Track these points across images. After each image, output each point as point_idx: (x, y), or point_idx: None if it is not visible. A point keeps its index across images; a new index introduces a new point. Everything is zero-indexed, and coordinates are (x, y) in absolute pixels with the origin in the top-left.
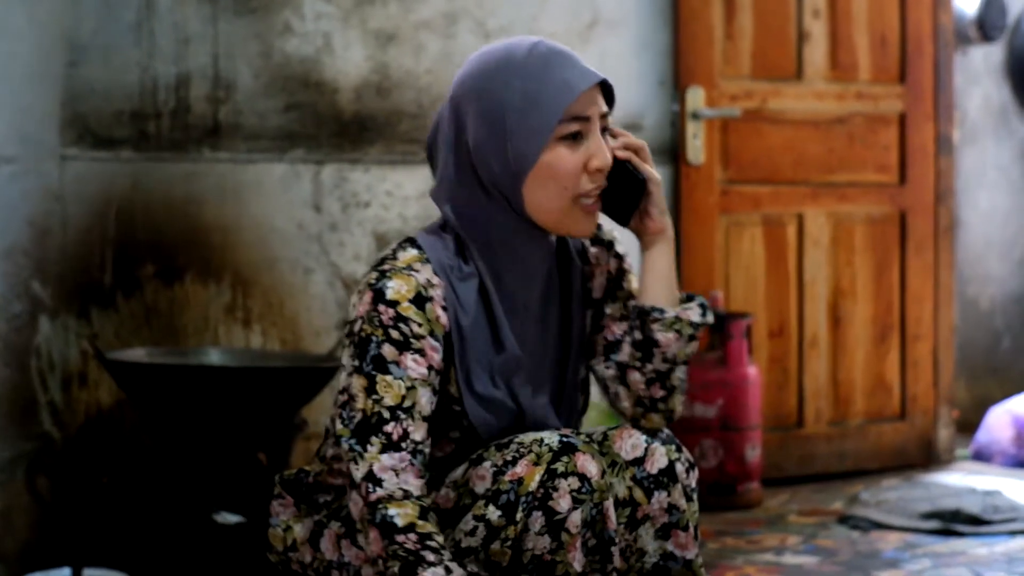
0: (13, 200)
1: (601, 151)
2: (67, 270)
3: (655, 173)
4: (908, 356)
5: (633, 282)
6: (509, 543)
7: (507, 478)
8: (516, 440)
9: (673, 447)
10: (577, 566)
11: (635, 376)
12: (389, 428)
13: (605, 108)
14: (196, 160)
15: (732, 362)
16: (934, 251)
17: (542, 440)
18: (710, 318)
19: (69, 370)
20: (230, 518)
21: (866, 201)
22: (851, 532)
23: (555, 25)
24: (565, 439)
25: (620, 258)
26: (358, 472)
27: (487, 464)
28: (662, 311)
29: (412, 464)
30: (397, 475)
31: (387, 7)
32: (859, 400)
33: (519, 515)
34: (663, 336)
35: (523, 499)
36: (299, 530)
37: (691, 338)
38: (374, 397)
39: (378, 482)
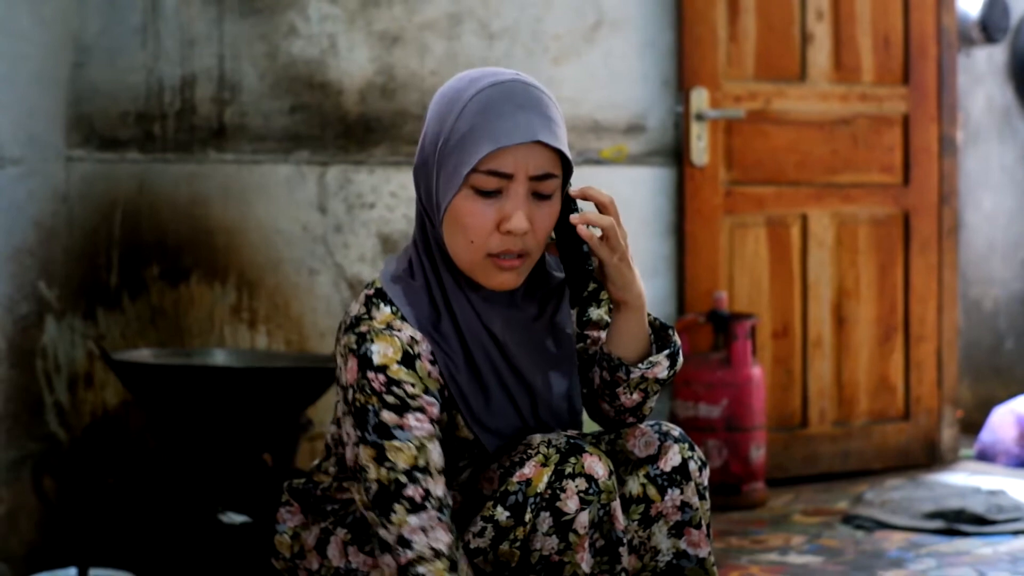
0: (19, 201)
1: (517, 215)
2: (73, 271)
3: (617, 253)
4: (912, 357)
5: None
6: (518, 544)
7: (515, 479)
8: (523, 442)
9: (686, 445)
10: (585, 567)
11: (604, 406)
12: (410, 492)
13: (546, 171)
14: (201, 161)
15: (736, 363)
16: (938, 252)
17: (549, 441)
18: (679, 366)
19: (75, 371)
20: (235, 518)
21: (870, 202)
22: (855, 532)
23: (559, 26)
24: (572, 440)
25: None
26: (389, 537)
27: (494, 466)
28: (628, 371)
29: (440, 520)
30: (426, 534)
31: (392, 8)
32: (863, 400)
33: (527, 516)
34: (626, 398)
35: (531, 500)
36: (306, 537)
37: (659, 391)
38: (387, 465)
39: (408, 544)
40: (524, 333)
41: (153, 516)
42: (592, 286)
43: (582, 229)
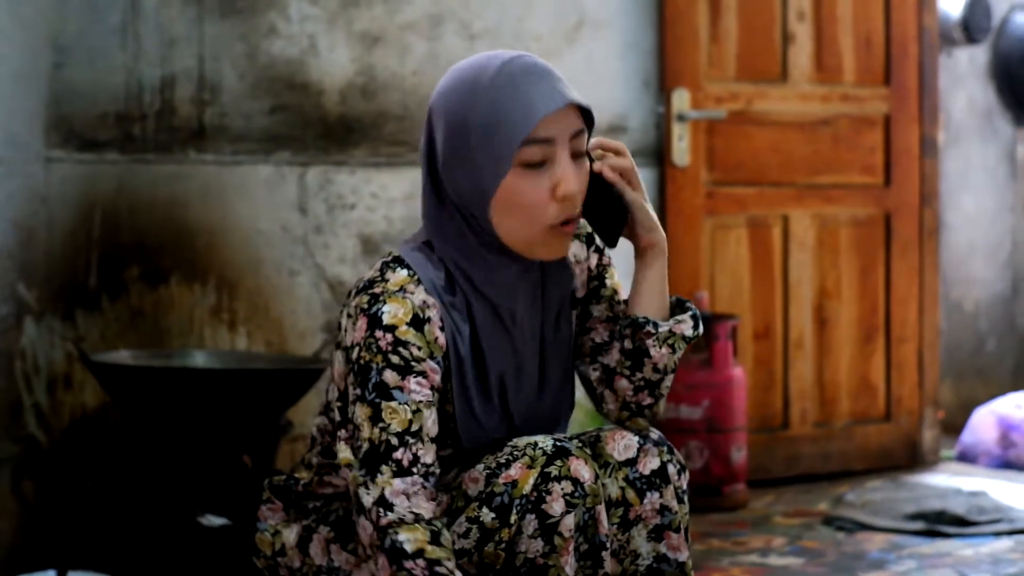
0: None
1: (568, 177)
2: (52, 272)
3: (640, 194)
4: (893, 357)
5: (615, 277)
6: (503, 545)
7: (501, 480)
8: (509, 443)
9: (665, 448)
10: (569, 570)
11: (623, 383)
12: (399, 455)
13: (578, 127)
14: (181, 162)
15: (717, 364)
16: (919, 253)
17: (536, 443)
18: (701, 329)
19: (54, 372)
20: (215, 520)
21: (851, 203)
22: (836, 533)
23: (540, 27)
24: (559, 443)
25: (600, 252)
26: (369, 497)
27: (480, 467)
28: (656, 325)
29: (424, 487)
30: (408, 499)
31: (372, 9)
32: (844, 401)
33: (513, 517)
34: (656, 352)
35: (517, 502)
36: (288, 535)
37: (675, 368)
38: (380, 425)
39: (389, 506)
40: (531, 322)
41: (132, 518)
42: (592, 272)
43: (608, 173)
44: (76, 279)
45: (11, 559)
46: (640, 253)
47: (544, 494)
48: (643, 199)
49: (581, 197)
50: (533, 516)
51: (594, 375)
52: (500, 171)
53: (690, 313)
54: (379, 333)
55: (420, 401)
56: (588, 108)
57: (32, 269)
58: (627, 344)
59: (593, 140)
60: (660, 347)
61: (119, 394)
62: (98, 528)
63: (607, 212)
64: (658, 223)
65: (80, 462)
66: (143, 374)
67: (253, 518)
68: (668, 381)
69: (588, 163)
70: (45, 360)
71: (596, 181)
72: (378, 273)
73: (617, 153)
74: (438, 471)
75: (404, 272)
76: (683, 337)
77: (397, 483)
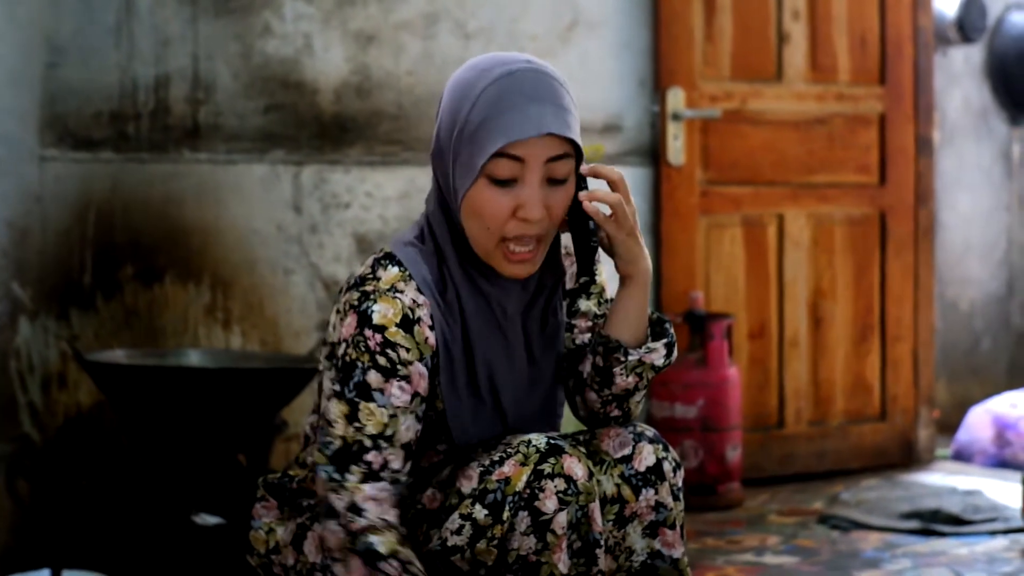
0: None
1: (531, 202)
2: (46, 272)
3: (623, 229)
4: (888, 356)
5: (603, 275)
6: (495, 542)
7: (494, 477)
8: (503, 441)
9: (660, 446)
10: (562, 567)
11: (592, 395)
12: (370, 457)
13: (556, 153)
14: (176, 161)
15: (713, 363)
16: (914, 252)
17: (529, 441)
18: (674, 357)
19: (49, 372)
20: (209, 519)
21: (846, 202)
22: (831, 532)
23: (536, 26)
24: (552, 441)
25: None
26: (340, 502)
27: (474, 464)
28: (626, 352)
29: (392, 495)
30: (378, 504)
31: (367, 8)
32: (839, 400)
33: (506, 514)
34: (622, 379)
35: (510, 499)
36: (282, 533)
37: (648, 386)
38: (356, 425)
39: (360, 512)
40: (523, 316)
41: (127, 517)
42: (597, 261)
43: (587, 205)
44: (70, 278)
45: (5, 558)
46: (621, 280)
47: (537, 491)
48: (627, 232)
49: (551, 223)
50: (526, 513)
51: (569, 381)
52: (468, 179)
53: (664, 341)
54: (368, 332)
55: (398, 407)
56: (577, 142)
57: (26, 268)
58: (598, 360)
59: (590, 166)
60: (627, 375)
61: (114, 393)
62: (93, 527)
63: (583, 242)
64: (642, 254)
65: (75, 461)
66: (138, 373)
67: (247, 517)
68: (638, 397)
69: (572, 188)
70: (39, 359)
71: (578, 209)
72: (370, 270)
73: (611, 184)
74: (405, 478)
75: (395, 269)
76: (652, 367)
77: (368, 489)
